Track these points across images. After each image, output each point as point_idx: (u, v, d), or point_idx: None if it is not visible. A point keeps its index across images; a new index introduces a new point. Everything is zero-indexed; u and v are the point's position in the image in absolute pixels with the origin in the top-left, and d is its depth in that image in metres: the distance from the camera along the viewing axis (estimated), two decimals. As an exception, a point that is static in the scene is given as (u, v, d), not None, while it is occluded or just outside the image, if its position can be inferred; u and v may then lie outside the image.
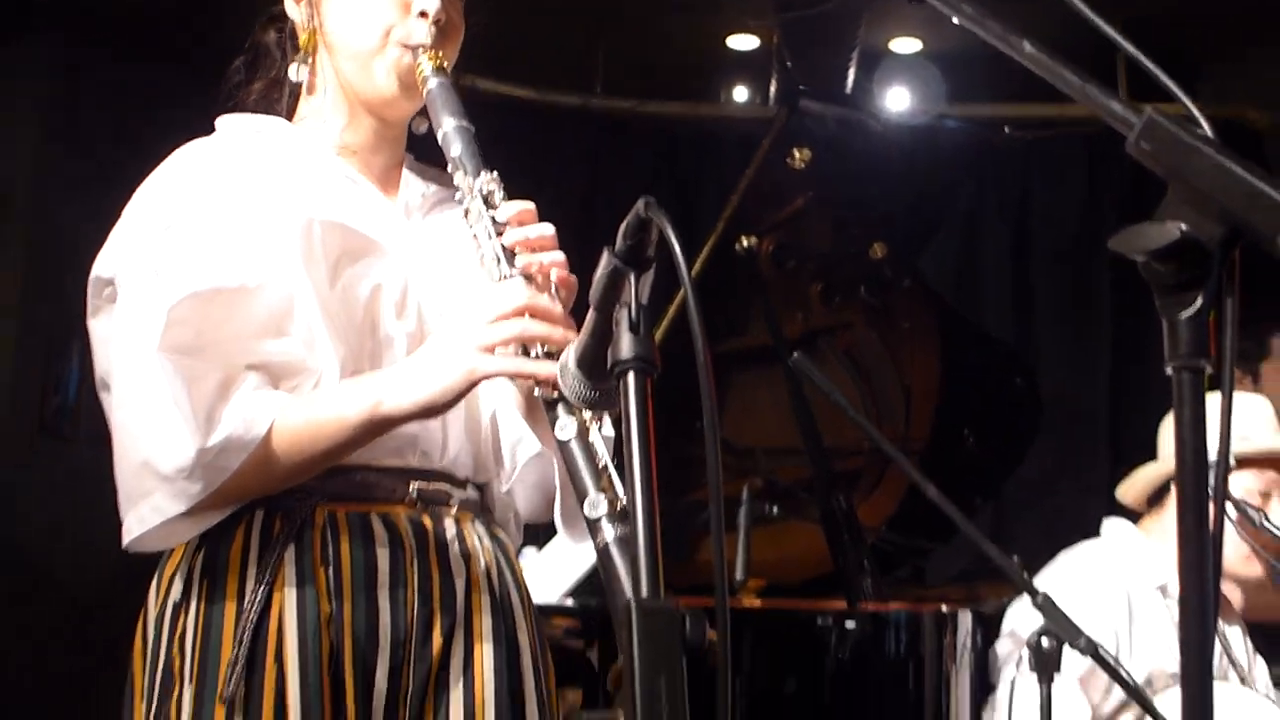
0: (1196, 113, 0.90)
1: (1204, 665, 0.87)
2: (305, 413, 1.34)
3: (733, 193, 2.91)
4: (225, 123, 1.53)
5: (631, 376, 0.98)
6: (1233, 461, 2.36)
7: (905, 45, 4.64)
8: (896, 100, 4.32)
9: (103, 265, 1.42)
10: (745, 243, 2.94)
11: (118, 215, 1.46)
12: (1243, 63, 4.51)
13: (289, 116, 1.55)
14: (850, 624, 2.38)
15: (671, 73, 4.69)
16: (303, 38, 1.53)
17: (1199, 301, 0.87)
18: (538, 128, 4.18)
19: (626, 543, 1.06)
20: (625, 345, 0.99)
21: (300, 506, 1.38)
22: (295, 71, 1.53)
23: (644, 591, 0.90)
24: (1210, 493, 0.89)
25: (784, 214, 3.09)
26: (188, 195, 1.41)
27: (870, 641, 2.38)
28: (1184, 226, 0.86)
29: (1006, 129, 4.20)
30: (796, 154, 2.78)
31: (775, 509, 3.10)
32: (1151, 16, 4.22)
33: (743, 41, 4.65)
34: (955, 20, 1.05)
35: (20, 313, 3.84)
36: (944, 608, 2.52)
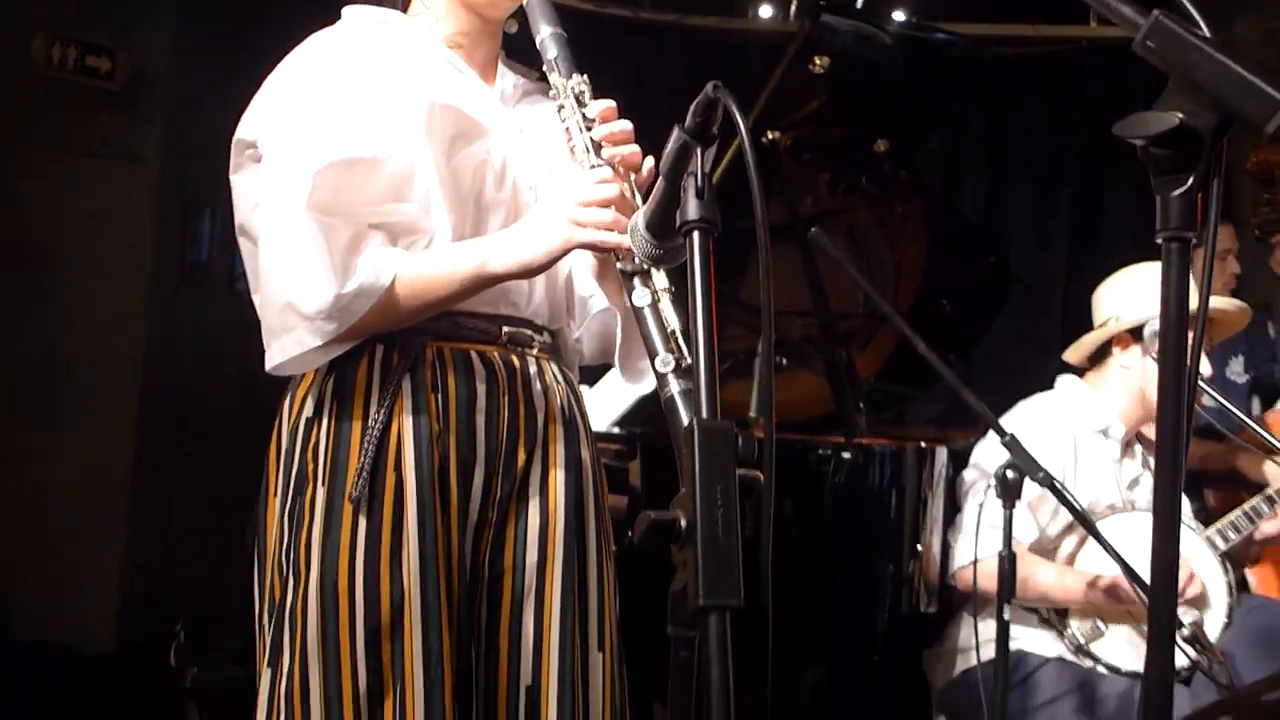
0: (1196, 16, 0.87)
1: (1175, 490, 0.87)
2: (422, 267, 1.34)
3: (760, 94, 2.85)
4: (351, 12, 1.49)
5: (697, 235, 0.98)
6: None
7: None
8: (900, 16, 4.28)
9: (246, 129, 1.40)
10: (769, 137, 2.89)
11: (244, 92, 1.44)
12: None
13: (404, 9, 1.51)
14: (845, 455, 2.41)
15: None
16: None
17: (1190, 182, 0.85)
18: (594, 36, 4.11)
19: (688, 395, 1.07)
20: (692, 208, 0.99)
21: (413, 343, 1.39)
22: None
23: (705, 414, 0.91)
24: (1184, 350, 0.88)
25: (802, 114, 3.03)
26: (325, 74, 1.39)
27: (861, 470, 2.41)
28: (1181, 115, 0.84)
29: (995, 46, 4.11)
30: (817, 61, 2.71)
31: (784, 360, 3.11)
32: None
33: (768, -37, 4.58)
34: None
35: (160, 181, 3.81)
36: (923, 444, 2.54)
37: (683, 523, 0.88)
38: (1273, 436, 2.48)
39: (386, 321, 1.35)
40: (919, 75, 3.05)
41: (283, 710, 1.33)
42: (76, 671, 3.64)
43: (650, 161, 1.34)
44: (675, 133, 1.01)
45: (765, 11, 4.58)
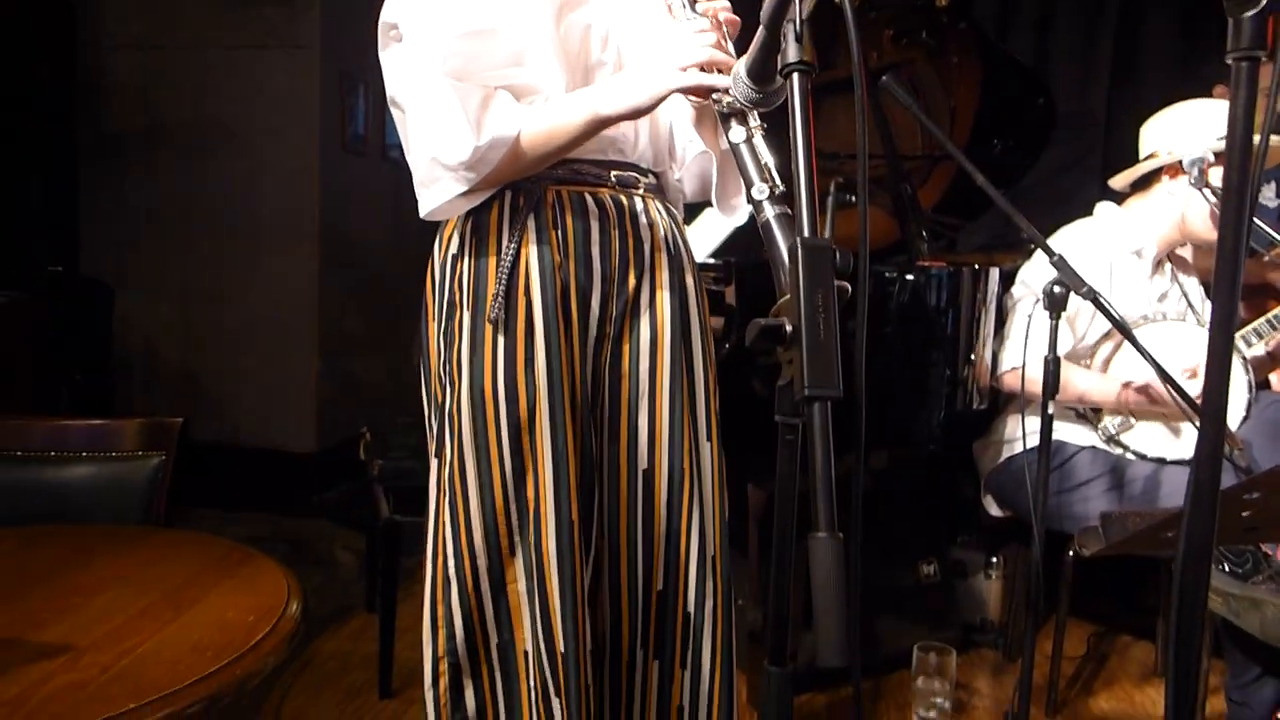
0: None
1: (1230, 294, 0.81)
2: (544, 120, 1.30)
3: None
4: None
5: (796, 76, 0.91)
6: (1213, 157, 2.18)
7: None
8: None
9: (388, 13, 1.35)
10: (839, -2, 2.72)
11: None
12: None
13: None
14: (909, 276, 2.33)
15: None
16: None
17: (1263, 1, 0.76)
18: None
19: (783, 218, 1.01)
20: (792, 51, 0.92)
21: (535, 188, 1.36)
22: None
23: (806, 232, 0.87)
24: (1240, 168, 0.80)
25: (870, -25, 2.85)
26: None
27: (923, 289, 2.33)
28: (1261, -63, 0.74)
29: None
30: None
31: (852, 198, 3.00)
32: None
33: None
34: None
35: (321, 66, 3.78)
36: (976, 266, 2.44)
37: (788, 327, 0.85)
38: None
39: (517, 169, 1.32)
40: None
41: (447, 490, 1.38)
42: (289, 467, 3.85)
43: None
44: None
45: None
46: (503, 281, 1.35)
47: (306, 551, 3.45)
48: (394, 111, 1.41)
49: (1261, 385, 2.65)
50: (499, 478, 1.35)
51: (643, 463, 1.41)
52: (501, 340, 1.35)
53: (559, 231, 1.37)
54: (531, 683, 1.37)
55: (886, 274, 2.34)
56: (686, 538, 1.42)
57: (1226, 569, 2.01)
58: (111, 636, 1.14)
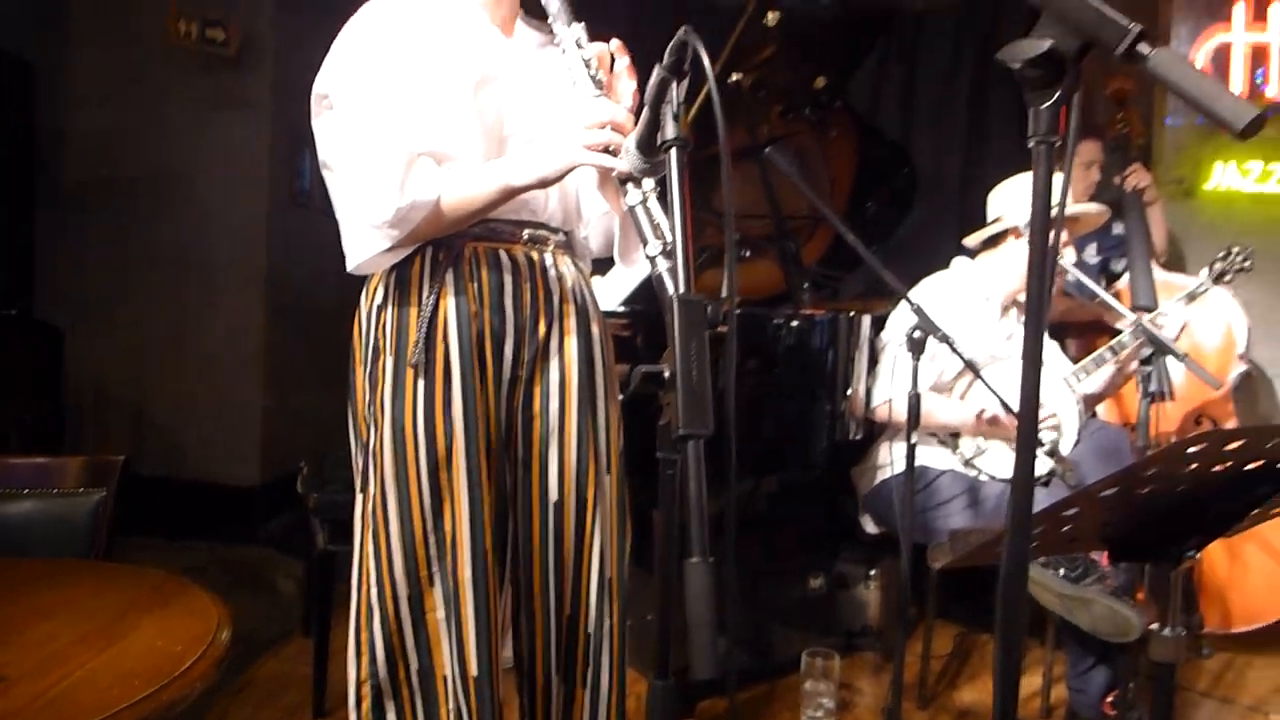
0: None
1: (1036, 341, 0.85)
2: (461, 187, 1.30)
3: (724, 44, 2.74)
4: None
5: (674, 151, 0.94)
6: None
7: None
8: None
9: (320, 84, 1.34)
10: (733, 78, 2.79)
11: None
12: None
13: None
14: (794, 323, 2.38)
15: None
16: None
17: (1057, 95, 0.81)
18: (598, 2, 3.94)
19: (672, 272, 1.03)
20: (670, 130, 0.94)
21: (454, 244, 1.36)
22: None
23: (683, 289, 0.89)
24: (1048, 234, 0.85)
25: (759, 59, 2.92)
26: (379, 34, 1.32)
27: (805, 334, 2.38)
28: (1050, 41, 0.79)
29: (907, 2, 3.95)
30: (769, 16, 2.60)
31: (747, 252, 3.07)
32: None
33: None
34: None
35: (271, 125, 3.72)
36: (852, 313, 2.51)
37: (667, 373, 0.87)
38: (1116, 301, 2.47)
39: (436, 229, 1.32)
40: (848, 26, 2.93)
41: (371, 523, 1.35)
42: (234, 498, 3.71)
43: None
44: (656, 70, 0.96)
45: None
46: (423, 329, 1.33)
47: (250, 579, 3.33)
48: (325, 173, 1.39)
49: (1091, 414, 2.77)
50: (418, 511, 1.33)
51: (553, 495, 1.40)
52: (421, 383, 1.33)
53: (476, 284, 1.36)
54: (450, 706, 1.34)
55: (775, 320, 2.39)
56: (588, 563, 1.41)
57: (1062, 573, 2.09)
58: (44, 665, 1.08)
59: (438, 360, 1.33)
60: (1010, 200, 2.53)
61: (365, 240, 1.30)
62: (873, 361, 2.55)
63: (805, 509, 2.88)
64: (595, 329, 1.47)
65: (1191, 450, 1.04)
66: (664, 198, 1.15)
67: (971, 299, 2.48)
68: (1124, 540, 1.28)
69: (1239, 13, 3.45)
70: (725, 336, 0.96)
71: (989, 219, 2.54)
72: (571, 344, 1.42)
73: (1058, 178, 2.60)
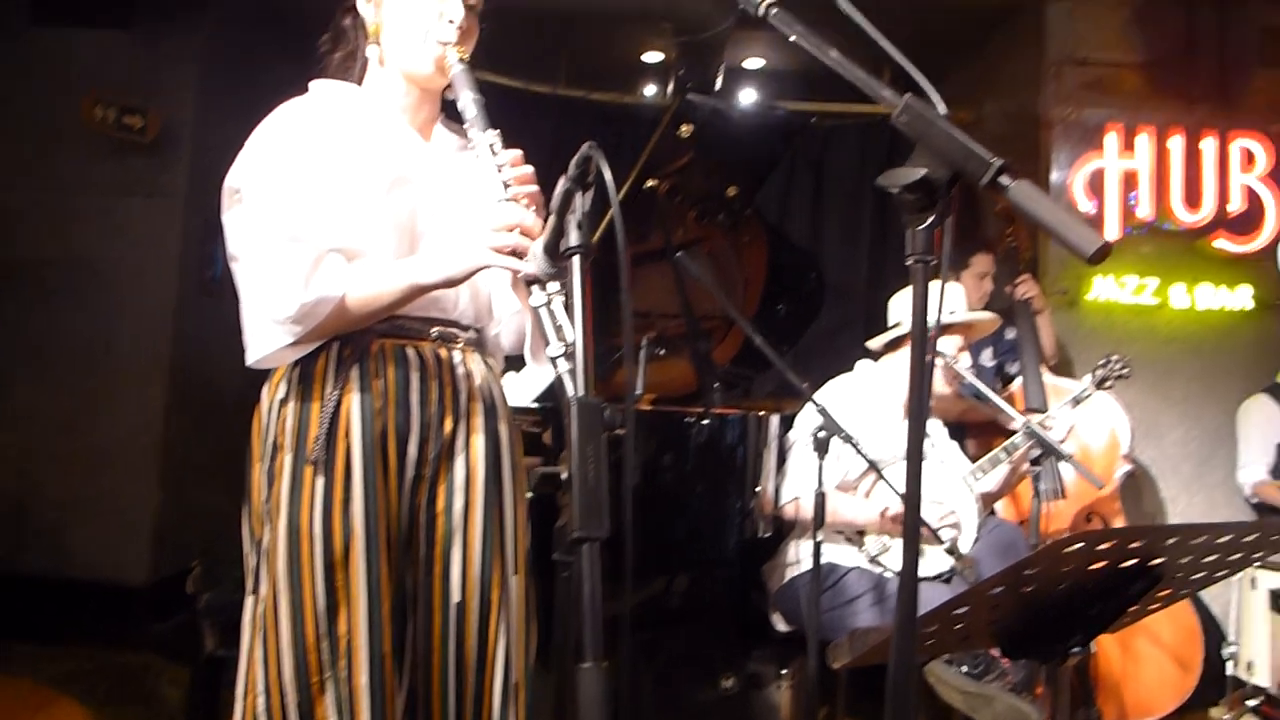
0: (938, 99, 0.89)
1: (917, 445, 0.89)
2: (368, 284, 1.31)
3: (641, 152, 2.86)
4: (316, 85, 1.45)
5: (577, 258, 0.97)
6: (941, 324, 2.41)
7: (753, 63, 4.61)
8: (746, 96, 4.35)
9: (233, 177, 1.35)
10: (649, 184, 2.89)
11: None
12: (965, 76, 4.56)
13: (359, 80, 1.47)
14: (705, 421, 2.41)
15: (609, 74, 4.61)
16: (370, 29, 1.44)
17: (930, 219, 0.87)
18: (518, 107, 4.07)
19: (572, 373, 1.05)
20: (573, 238, 0.97)
21: (361, 340, 1.35)
22: (368, 51, 1.45)
23: (581, 392, 0.90)
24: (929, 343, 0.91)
25: (674, 166, 3.05)
26: (291, 134, 1.34)
27: (716, 432, 2.42)
28: (924, 170, 0.86)
29: (813, 118, 4.18)
30: (683, 128, 2.73)
31: (662, 351, 3.12)
32: (917, 38, 4.26)
33: (653, 56, 4.58)
34: (790, 38, 1.02)
35: (185, 213, 3.67)
36: (761, 413, 2.56)
37: (564, 474, 0.88)
38: (1008, 405, 2.58)
39: (341, 325, 1.31)
40: (759, 139, 3.09)
41: (261, 627, 1.29)
42: (121, 598, 3.48)
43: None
44: (561, 181, 1.00)
45: (650, 90, 4.60)
46: (324, 425, 1.31)
47: (131, 687, 3.09)
48: (233, 265, 1.38)
49: (990, 511, 2.86)
50: (311, 613, 1.28)
51: (455, 596, 1.36)
52: (320, 481, 1.30)
53: (381, 380, 1.35)
54: None
55: (687, 419, 2.42)
56: (492, 667, 1.37)
57: (965, 670, 2.12)
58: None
59: (338, 458, 1.31)
60: (909, 306, 2.65)
61: (267, 335, 1.29)
62: (781, 460, 2.60)
63: (717, 607, 2.86)
64: (503, 427, 1.46)
65: (1068, 550, 1.09)
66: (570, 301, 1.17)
67: (874, 400, 2.57)
68: (1013, 637, 1.31)
69: (1110, 141, 3.77)
70: (624, 437, 0.98)
71: (890, 324, 2.66)
72: (478, 442, 1.41)
73: (954, 288, 2.74)
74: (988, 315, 2.71)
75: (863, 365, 2.68)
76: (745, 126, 3.04)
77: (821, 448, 2.08)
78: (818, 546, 2.06)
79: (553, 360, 1.08)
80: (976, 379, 2.49)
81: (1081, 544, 1.07)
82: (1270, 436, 3.42)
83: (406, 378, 1.36)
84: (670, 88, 4.36)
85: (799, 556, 2.44)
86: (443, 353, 1.41)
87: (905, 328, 2.57)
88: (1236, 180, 3.78)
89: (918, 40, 4.40)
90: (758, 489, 2.49)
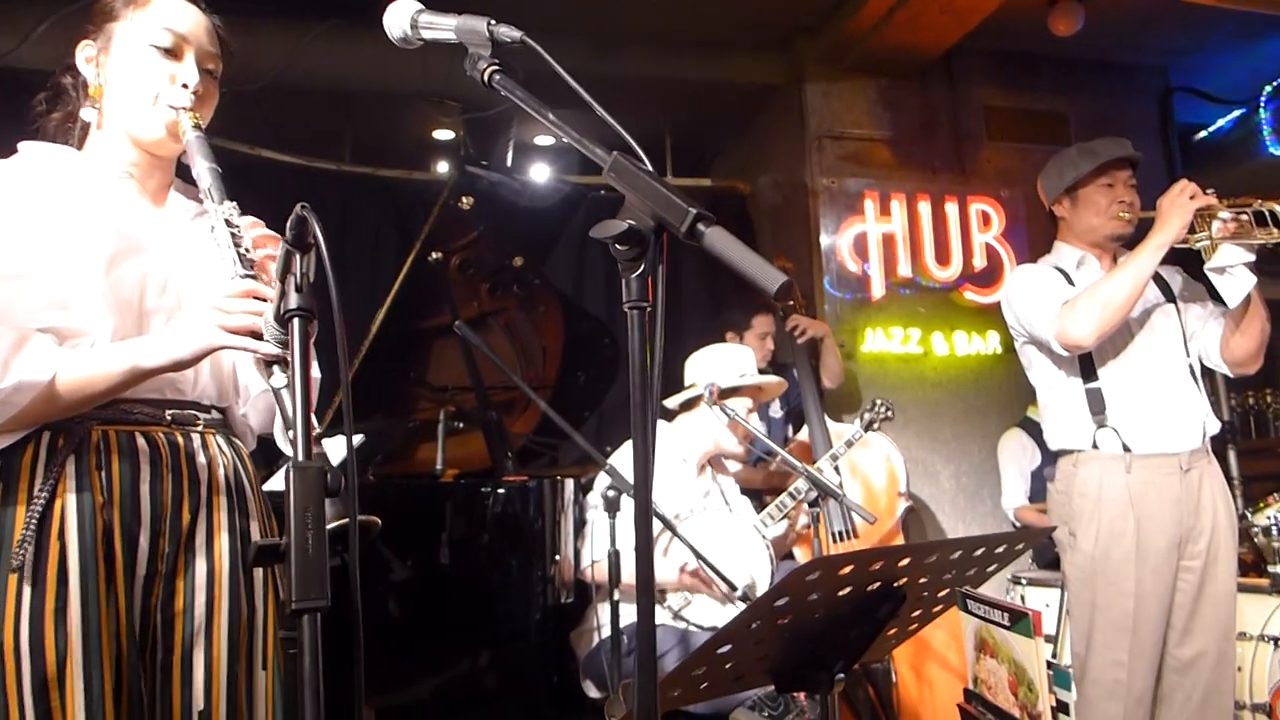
0: (643, 157, 0.94)
1: (647, 506, 0.91)
2: (82, 367, 1.19)
3: (425, 225, 2.84)
4: (26, 147, 1.32)
5: (296, 320, 0.93)
6: (736, 384, 2.53)
7: (544, 140, 4.73)
8: (536, 171, 4.44)
9: None
10: (434, 257, 2.86)
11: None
12: (739, 150, 4.84)
13: (80, 144, 1.36)
14: (500, 490, 2.38)
15: (396, 150, 4.59)
16: (92, 90, 1.34)
17: (642, 267, 0.91)
18: (303, 183, 3.95)
19: (292, 441, 0.98)
20: (293, 300, 0.94)
21: (78, 428, 1.22)
22: (87, 114, 1.35)
23: (300, 457, 0.86)
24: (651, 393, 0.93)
25: (463, 240, 3.04)
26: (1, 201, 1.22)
27: (510, 500, 2.38)
28: (632, 222, 0.90)
29: (602, 190, 4.32)
30: (464, 200, 2.74)
31: (461, 424, 3.06)
32: (696, 117, 4.52)
33: (444, 134, 4.61)
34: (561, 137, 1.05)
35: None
36: (557, 478, 2.55)
37: (283, 545, 0.82)
38: (794, 458, 2.70)
39: (52, 412, 1.19)
40: (543, 211, 3.15)
41: None
42: None
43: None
44: (280, 243, 0.96)
45: (442, 166, 4.61)
46: (30, 528, 1.16)
47: None
48: None
49: (787, 556, 2.97)
50: None
51: (198, 703, 1.23)
52: (28, 591, 1.15)
53: (103, 474, 1.21)
54: None
55: (481, 489, 2.37)
56: None
57: (766, 715, 2.15)
58: None
59: (50, 563, 1.16)
60: (703, 368, 2.75)
61: None
62: (580, 525, 2.58)
63: (526, 679, 2.77)
64: (254, 523, 1.35)
65: (810, 578, 1.13)
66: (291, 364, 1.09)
67: (669, 458, 2.62)
68: (783, 671, 1.35)
69: (869, 207, 4.15)
70: (376, 520, 0.94)
71: (687, 383, 2.74)
72: (222, 539, 1.29)
73: (744, 350, 2.82)
74: (775, 379, 2.84)
75: (659, 426, 2.73)
76: (528, 199, 3.09)
77: (611, 507, 2.10)
78: (615, 606, 2.05)
79: (291, 443, 1.02)
80: (767, 435, 2.60)
81: (820, 570, 1.12)
82: (1025, 466, 3.79)
83: (135, 470, 1.23)
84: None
85: (604, 620, 2.41)
86: (179, 438, 1.29)
87: (700, 389, 2.66)
88: (978, 240, 4.24)
89: (696, 119, 4.76)
90: (557, 556, 2.46)
